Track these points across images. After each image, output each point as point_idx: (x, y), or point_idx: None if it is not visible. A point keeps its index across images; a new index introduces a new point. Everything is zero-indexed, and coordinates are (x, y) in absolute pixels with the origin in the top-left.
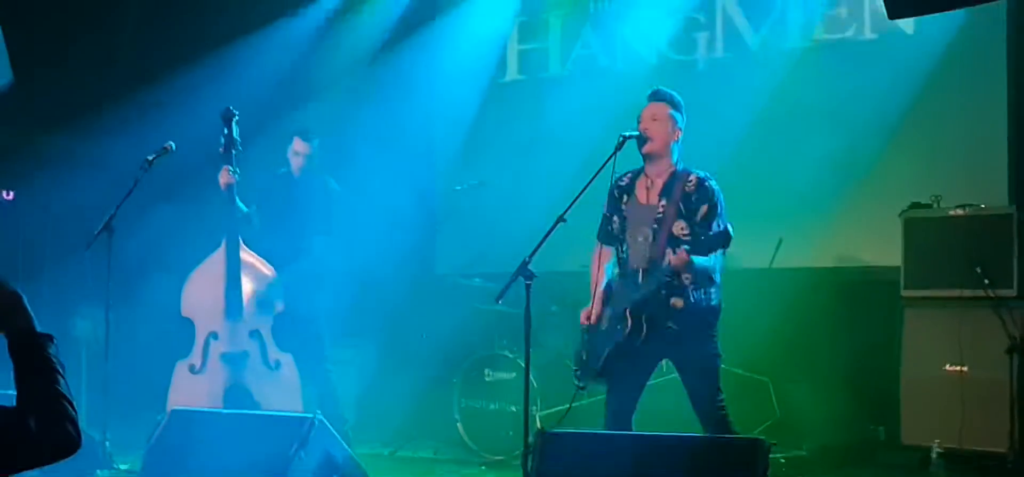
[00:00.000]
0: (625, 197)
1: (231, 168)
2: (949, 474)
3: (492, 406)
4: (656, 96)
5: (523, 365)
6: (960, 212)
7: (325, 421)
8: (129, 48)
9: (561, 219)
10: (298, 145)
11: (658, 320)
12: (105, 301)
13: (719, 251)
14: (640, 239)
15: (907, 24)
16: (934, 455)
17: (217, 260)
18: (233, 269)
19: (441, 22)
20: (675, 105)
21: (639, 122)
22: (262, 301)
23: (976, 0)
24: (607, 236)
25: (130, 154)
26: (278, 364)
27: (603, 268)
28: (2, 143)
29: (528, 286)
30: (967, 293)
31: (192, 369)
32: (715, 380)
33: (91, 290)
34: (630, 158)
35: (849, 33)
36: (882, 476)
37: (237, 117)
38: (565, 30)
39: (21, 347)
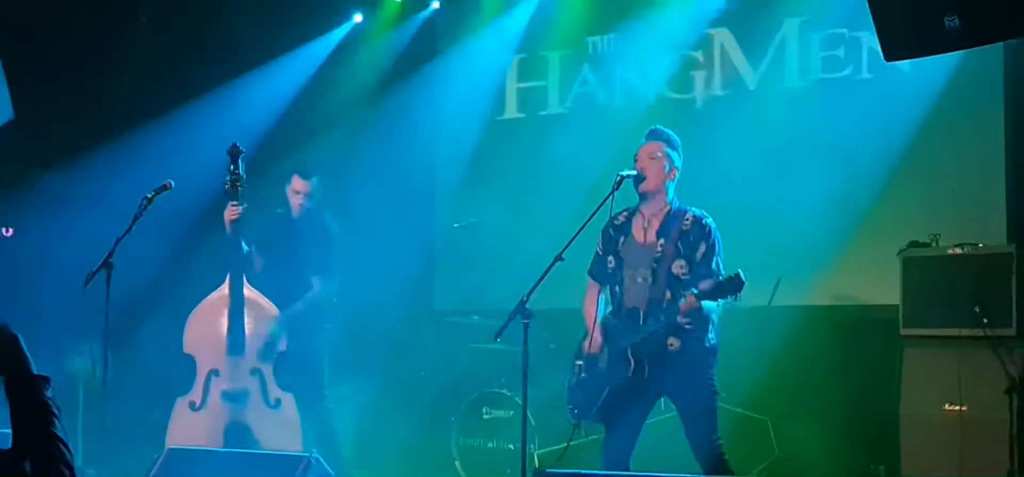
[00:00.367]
0: (621, 238)
1: (237, 204)
2: None
3: (490, 444)
4: (653, 135)
5: (521, 403)
6: (958, 251)
7: (321, 460)
8: (129, 86)
9: (559, 258)
10: (297, 183)
11: (656, 360)
12: (103, 338)
13: (731, 298)
14: (639, 280)
15: (904, 64)
16: None
17: (221, 296)
18: (237, 306)
19: (441, 60)
20: (671, 144)
21: (636, 161)
22: (265, 339)
23: (973, 42)
24: (601, 275)
25: (129, 191)
26: (279, 403)
27: (598, 303)
28: (2, 179)
29: (526, 325)
30: (966, 332)
31: (192, 406)
32: (712, 419)
33: (90, 327)
34: (628, 197)
35: (846, 72)
36: None
37: (243, 153)
38: (564, 68)
39: (18, 389)
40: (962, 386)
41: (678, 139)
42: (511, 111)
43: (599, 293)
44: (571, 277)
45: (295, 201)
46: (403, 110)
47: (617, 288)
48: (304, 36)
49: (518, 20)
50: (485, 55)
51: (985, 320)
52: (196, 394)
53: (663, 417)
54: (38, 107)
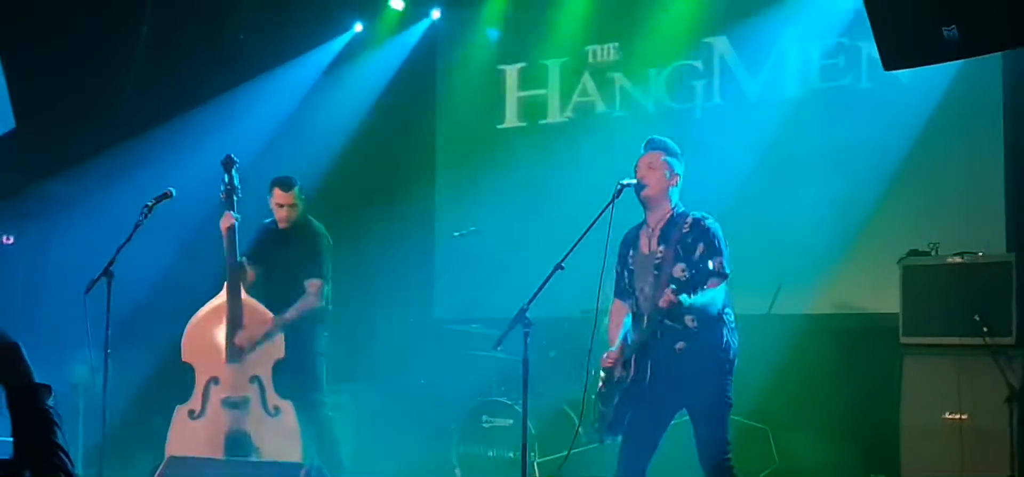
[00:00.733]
0: (631, 251)
1: (233, 213)
2: None
3: (490, 452)
4: (651, 145)
5: (521, 411)
6: (958, 260)
7: (321, 468)
8: (130, 94)
9: (559, 266)
10: (279, 196)
11: (664, 365)
12: (104, 346)
13: (711, 288)
14: (647, 289)
15: (903, 73)
16: None
17: (218, 304)
18: (235, 314)
19: (440, 69)
20: (670, 152)
21: (636, 171)
22: (263, 346)
23: (972, 52)
24: (621, 291)
25: (130, 199)
26: (278, 411)
27: (622, 322)
28: (3, 188)
29: (526, 333)
30: (966, 341)
31: (191, 414)
32: (722, 431)
33: (90, 335)
34: (628, 206)
35: (846, 81)
36: None
37: (238, 164)
38: (564, 77)
39: (19, 399)
40: (962, 395)
41: (678, 147)
42: (511, 120)
43: (625, 312)
44: (571, 286)
45: (280, 213)
46: (403, 119)
47: (633, 301)
48: (305, 45)
49: (519, 28)
50: (485, 64)
51: (985, 329)
52: (195, 402)
53: (674, 422)
54: (39, 116)
